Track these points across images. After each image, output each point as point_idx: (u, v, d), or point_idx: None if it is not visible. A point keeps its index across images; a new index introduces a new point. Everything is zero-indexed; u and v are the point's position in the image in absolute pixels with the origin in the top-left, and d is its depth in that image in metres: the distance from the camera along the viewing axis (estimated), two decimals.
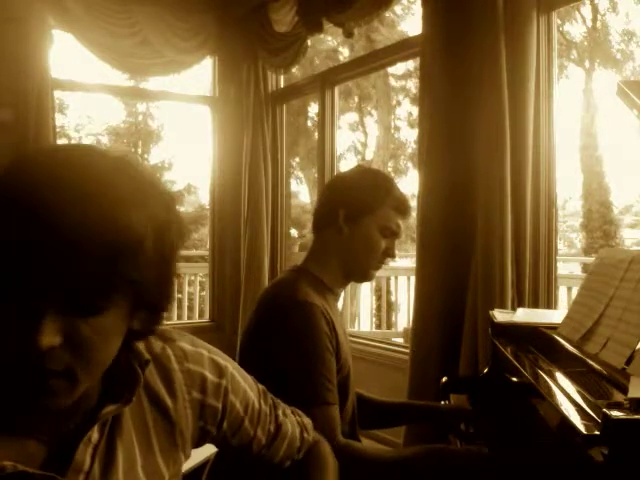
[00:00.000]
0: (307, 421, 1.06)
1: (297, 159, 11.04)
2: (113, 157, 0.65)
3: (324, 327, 1.36)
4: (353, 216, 1.49)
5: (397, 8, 8.71)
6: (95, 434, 0.71)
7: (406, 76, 10.32)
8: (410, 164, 10.98)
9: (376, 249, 1.50)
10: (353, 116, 11.25)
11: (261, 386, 0.97)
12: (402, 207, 1.53)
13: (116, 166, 0.64)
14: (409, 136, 11.10)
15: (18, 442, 0.67)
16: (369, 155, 11.38)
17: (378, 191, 1.51)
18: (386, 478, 1.33)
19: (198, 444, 0.88)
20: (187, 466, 0.87)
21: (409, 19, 9.26)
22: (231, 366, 0.89)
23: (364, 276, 1.58)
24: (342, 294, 1.69)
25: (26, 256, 0.57)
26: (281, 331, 1.36)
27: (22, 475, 0.65)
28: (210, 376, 0.85)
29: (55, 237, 0.57)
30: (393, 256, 1.55)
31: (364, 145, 11.58)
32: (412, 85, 10.52)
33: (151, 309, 0.70)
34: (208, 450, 1.22)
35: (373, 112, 11.43)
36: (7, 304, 0.60)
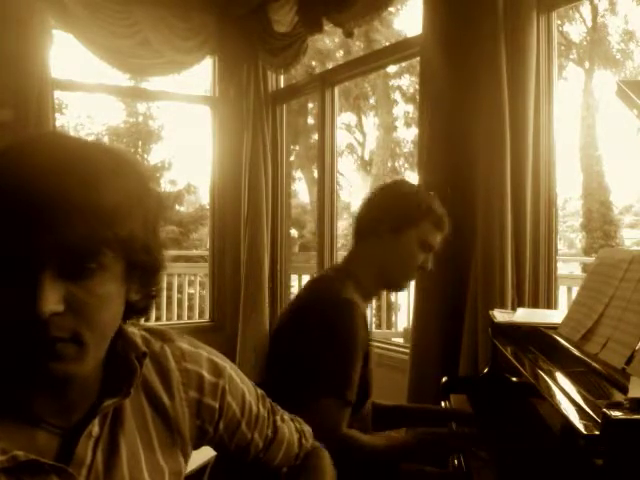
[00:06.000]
0: (307, 429, 1.06)
1: (292, 158, 11.01)
2: (91, 139, 0.77)
3: (362, 328, 1.43)
4: (396, 227, 1.54)
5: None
6: (96, 428, 0.73)
7: (399, 73, 10.30)
8: (406, 164, 10.95)
9: (414, 262, 1.57)
10: (349, 115, 11.22)
11: (260, 390, 0.98)
12: (441, 223, 1.58)
13: (94, 144, 0.72)
14: (406, 135, 11.09)
15: (28, 433, 0.69)
16: (367, 155, 11.36)
17: (421, 205, 1.56)
18: (384, 462, 1.43)
19: (197, 444, 0.88)
20: (187, 469, 0.87)
21: (403, 15, 9.27)
22: (230, 368, 0.90)
23: (398, 287, 1.67)
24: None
25: (17, 226, 0.62)
26: (323, 323, 1.41)
27: (33, 464, 0.66)
28: (208, 376, 0.86)
29: (44, 205, 0.62)
30: (428, 270, 1.61)
31: (361, 145, 11.56)
32: (406, 82, 10.51)
33: (144, 274, 0.72)
34: (208, 454, 1.22)
35: (369, 112, 11.41)
36: (5, 278, 0.63)
